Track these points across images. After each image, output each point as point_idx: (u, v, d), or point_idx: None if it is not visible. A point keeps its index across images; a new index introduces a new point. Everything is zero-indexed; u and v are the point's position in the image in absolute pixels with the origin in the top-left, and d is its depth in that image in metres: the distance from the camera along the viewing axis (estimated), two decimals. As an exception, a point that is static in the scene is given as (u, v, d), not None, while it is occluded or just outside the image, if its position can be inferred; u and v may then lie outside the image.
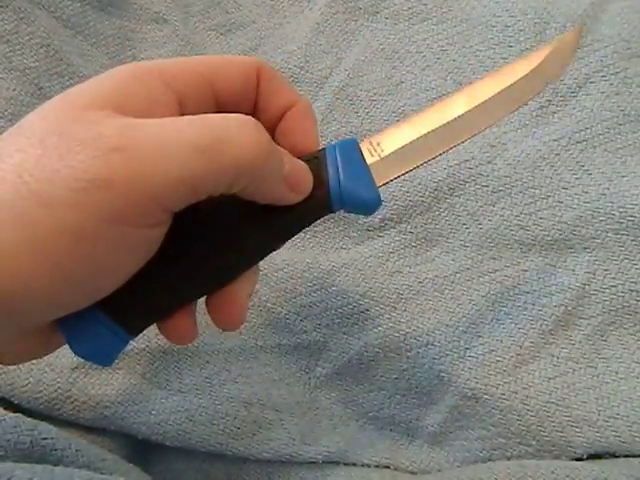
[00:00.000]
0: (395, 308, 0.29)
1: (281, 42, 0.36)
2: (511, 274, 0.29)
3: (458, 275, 0.29)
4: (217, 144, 0.16)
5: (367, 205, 0.20)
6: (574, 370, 0.26)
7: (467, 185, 0.30)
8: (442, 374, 0.28)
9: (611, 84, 0.31)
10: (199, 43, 0.37)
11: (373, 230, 0.31)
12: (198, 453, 0.27)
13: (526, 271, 0.29)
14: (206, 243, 0.19)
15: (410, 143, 0.21)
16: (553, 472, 0.24)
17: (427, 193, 0.31)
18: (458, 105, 0.21)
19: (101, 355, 0.19)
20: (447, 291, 0.29)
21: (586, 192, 0.29)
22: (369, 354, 0.29)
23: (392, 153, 0.21)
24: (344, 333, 0.29)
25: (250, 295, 0.21)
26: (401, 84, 0.33)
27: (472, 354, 0.28)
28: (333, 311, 0.29)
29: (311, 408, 0.29)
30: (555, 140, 0.30)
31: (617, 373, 0.26)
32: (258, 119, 0.20)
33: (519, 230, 0.29)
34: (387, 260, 0.30)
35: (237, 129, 0.17)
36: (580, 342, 0.27)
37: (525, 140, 0.31)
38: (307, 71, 0.34)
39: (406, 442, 0.29)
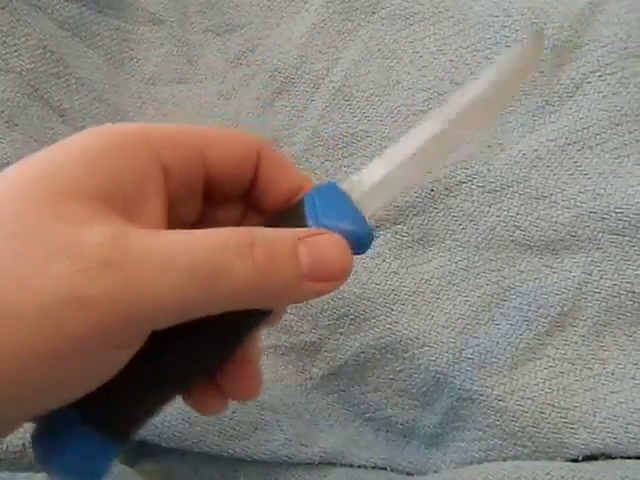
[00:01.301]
0: (391, 309, 0.29)
1: (278, 42, 0.36)
2: (507, 275, 0.29)
3: (454, 276, 0.29)
4: (214, 271, 0.14)
5: (356, 237, 0.19)
6: (570, 371, 0.26)
7: (463, 186, 0.30)
8: (438, 375, 0.28)
9: (608, 84, 0.31)
10: (196, 44, 0.37)
11: (370, 231, 0.31)
12: (194, 454, 0.27)
13: (522, 272, 0.29)
14: (190, 338, 0.16)
15: (389, 174, 0.21)
16: (548, 473, 0.24)
17: (423, 194, 0.31)
18: (429, 128, 0.21)
19: (85, 470, 0.15)
20: (443, 292, 0.29)
21: (583, 192, 0.29)
22: (365, 355, 0.29)
23: (374, 185, 0.20)
24: (340, 334, 0.29)
25: (260, 356, 0.20)
26: (398, 84, 0.33)
27: (468, 355, 0.28)
28: (329, 312, 0.29)
29: (307, 409, 0.29)
30: (552, 140, 0.30)
31: (613, 374, 0.26)
32: (257, 200, 0.20)
33: (515, 231, 0.29)
34: (383, 261, 0.30)
35: (236, 254, 0.15)
36: (576, 343, 0.27)
37: (522, 140, 0.31)
38: (304, 71, 0.34)
39: (402, 443, 0.29)
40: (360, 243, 0.19)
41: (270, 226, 0.18)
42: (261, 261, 0.15)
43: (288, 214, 0.19)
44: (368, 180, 0.20)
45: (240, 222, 0.21)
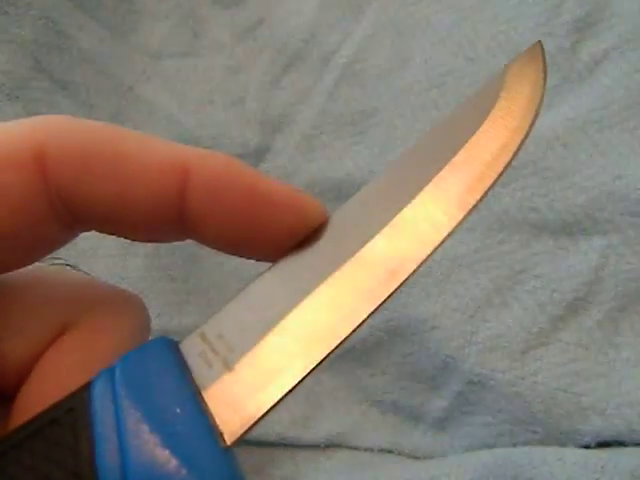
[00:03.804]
0: (400, 291, 0.28)
1: (286, 16, 0.34)
2: (521, 257, 0.28)
3: (466, 258, 0.29)
4: None
5: None
6: (584, 357, 0.26)
7: (477, 165, 0.29)
8: (447, 359, 0.27)
9: (629, 61, 0.30)
10: (202, 17, 0.36)
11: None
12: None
13: (536, 254, 0.28)
14: None
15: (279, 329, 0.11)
16: (560, 459, 0.23)
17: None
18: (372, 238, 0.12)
19: None
20: (454, 274, 0.28)
21: (601, 173, 0.28)
22: (374, 338, 0.28)
23: (257, 353, 0.11)
24: (348, 316, 0.29)
25: None
26: (411, 60, 0.32)
27: (479, 339, 0.27)
28: (337, 293, 0.29)
29: (314, 391, 0.28)
30: (570, 119, 0.29)
31: (628, 360, 0.25)
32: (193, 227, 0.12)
33: (530, 212, 0.28)
34: (393, 242, 0.29)
35: None
36: (590, 328, 0.26)
37: (539, 119, 0.30)
38: (313, 46, 0.33)
39: (410, 427, 0.28)
40: None
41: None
42: None
43: (41, 431, 0.10)
44: (241, 341, 0.11)
45: None
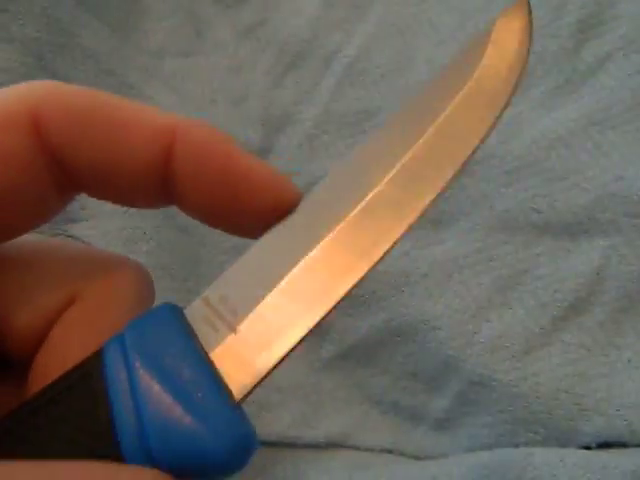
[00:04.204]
0: (402, 291, 0.28)
1: (289, 15, 0.34)
2: (523, 258, 0.28)
3: (468, 258, 0.28)
4: None
5: (221, 457, 0.10)
6: (585, 358, 0.26)
7: (479, 166, 0.29)
8: (449, 359, 0.27)
9: (632, 62, 0.30)
10: (205, 16, 0.36)
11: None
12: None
13: (538, 255, 0.28)
14: None
15: (292, 279, 0.11)
16: (561, 460, 0.23)
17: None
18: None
19: None
20: (456, 274, 0.28)
21: (603, 174, 0.28)
22: (375, 337, 0.28)
23: (259, 315, 0.11)
24: (349, 315, 0.29)
25: None
26: (414, 60, 0.32)
27: (480, 339, 0.27)
28: (339, 293, 0.29)
29: (314, 391, 0.28)
30: (572, 120, 0.29)
31: (630, 361, 0.25)
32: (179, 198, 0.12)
33: (532, 213, 0.28)
34: (395, 242, 0.29)
35: None
36: (592, 329, 0.26)
37: (541, 120, 0.30)
38: (316, 45, 0.33)
39: (410, 427, 0.28)
40: (227, 461, 0.10)
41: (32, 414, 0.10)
42: None
43: (66, 394, 0.10)
44: (245, 303, 0.11)
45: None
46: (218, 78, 0.34)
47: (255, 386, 0.11)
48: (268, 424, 0.27)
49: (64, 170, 0.12)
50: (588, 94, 0.30)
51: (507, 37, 0.13)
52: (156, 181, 0.12)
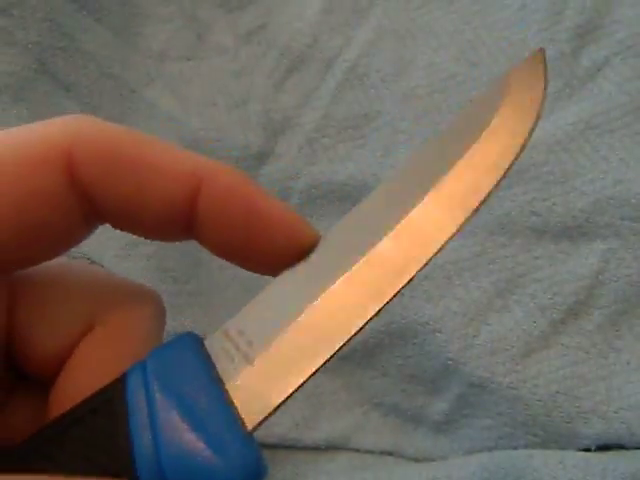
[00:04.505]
0: (402, 294, 0.29)
1: (290, 20, 0.35)
2: (522, 261, 0.28)
3: (467, 261, 0.29)
4: None
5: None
6: (584, 360, 0.26)
7: (479, 169, 0.30)
8: (448, 362, 0.27)
9: (631, 66, 0.30)
10: (206, 20, 0.36)
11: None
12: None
13: (537, 258, 0.28)
14: None
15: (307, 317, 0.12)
16: (560, 462, 0.23)
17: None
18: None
19: None
20: (455, 277, 0.29)
21: (602, 178, 0.28)
22: (375, 340, 0.28)
23: (275, 348, 0.12)
24: (350, 318, 0.29)
25: None
26: (413, 64, 0.32)
27: (480, 342, 0.27)
28: (339, 296, 0.29)
29: (315, 393, 0.29)
30: (571, 124, 0.29)
31: (628, 364, 0.25)
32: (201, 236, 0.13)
33: (531, 216, 0.28)
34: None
35: None
36: (591, 332, 0.26)
37: (540, 124, 0.30)
38: (316, 50, 0.34)
39: (410, 429, 0.28)
40: None
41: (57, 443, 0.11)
42: None
43: (90, 418, 0.11)
44: (260, 335, 0.12)
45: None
46: (219, 82, 0.35)
47: (267, 417, 0.12)
48: (268, 426, 0.27)
49: (93, 204, 0.12)
50: (586, 98, 0.30)
51: (521, 95, 0.13)
52: (180, 220, 0.12)
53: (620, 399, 0.25)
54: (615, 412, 0.25)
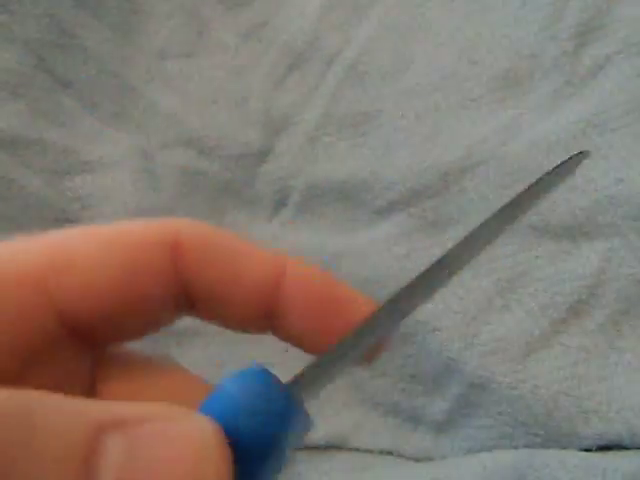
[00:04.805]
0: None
1: (290, 17, 0.35)
2: (523, 260, 0.28)
3: (468, 260, 0.28)
4: None
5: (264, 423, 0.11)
6: (585, 360, 0.26)
7: (479, 168, 0.30)
8: (449, 361, 0.27)
9: (632, 65, 0.30)
10: (205, 17, 0.36)
11: (381, 213, 0.30)
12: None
13: (538, 257, 0.28)
14: None
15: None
16: (561, 462, 0.23)
17: (438, 175, 0.30)
18: None
19: None
20: (455, 276, 0.28)
21: (603, 177, 0.28)
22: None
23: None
24: (349, 317, 0.29)
25: None
26: (413, 62, 0.32)
27: (480, 341, 0.27)
28: (339, 295, 0.29)
29: (314, 392, 0.28)
30: (572, 123, 0.29)
31: (630, 364, 0.25)
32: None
33: (532, 215, 0.28)
34: (395, 244, 0.29)
35: None
36: (592, 332, 0.26)
37: (540, 122, 0.30)
38: (316, 48, 0.33)
39: (410, 429, 0.28)
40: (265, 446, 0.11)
41: None
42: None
43: None
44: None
45: None
46: (219, 79, 0.34)
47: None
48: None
49: (188, 288, 0.13)
50: (588, 97, 0.30)
51: None
52: (263, 309, 0.13)
53: (621, 399, 0.25)
54: (616, 412, 0.24)
